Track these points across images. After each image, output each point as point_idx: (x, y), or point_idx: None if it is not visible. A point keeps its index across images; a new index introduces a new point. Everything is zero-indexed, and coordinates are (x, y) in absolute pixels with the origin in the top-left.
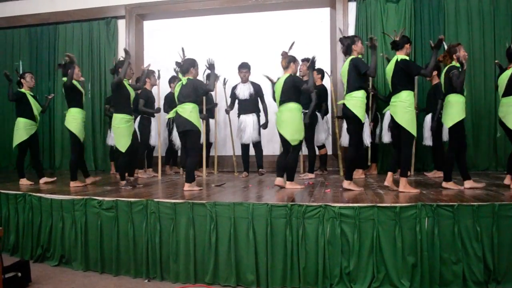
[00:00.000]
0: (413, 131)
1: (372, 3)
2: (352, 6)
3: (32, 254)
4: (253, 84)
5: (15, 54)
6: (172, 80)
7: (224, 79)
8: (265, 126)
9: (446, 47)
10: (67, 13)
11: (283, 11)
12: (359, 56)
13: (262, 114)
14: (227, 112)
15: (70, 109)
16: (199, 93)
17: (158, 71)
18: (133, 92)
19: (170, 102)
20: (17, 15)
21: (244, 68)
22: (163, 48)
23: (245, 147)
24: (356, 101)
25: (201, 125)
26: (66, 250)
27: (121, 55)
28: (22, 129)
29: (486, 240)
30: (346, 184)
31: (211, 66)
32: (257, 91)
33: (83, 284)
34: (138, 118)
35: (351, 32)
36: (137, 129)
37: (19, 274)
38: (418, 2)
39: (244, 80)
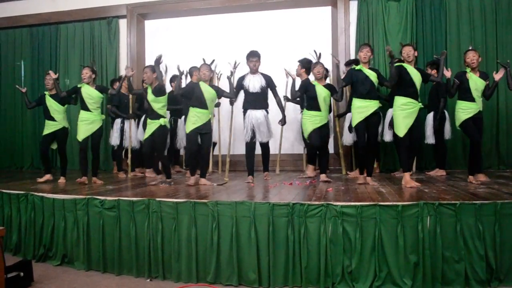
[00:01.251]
0: (398, 131)
1: (373, 1)
2: (354, 5)
3: (34, 253)
4: (264, 75)
5: (17, 54)
6: (173, 79)
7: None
8: (283, 121)
9: (470, 47)
10: (68, 13)
11: (284, 10)
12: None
13: (270, 109)
14: (232, 103)
15: None
16: None
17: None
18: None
19: (170, 100)
20: (19, 15)
21: (254, 56)
22: (164, 47)
23: (252, 146)
24: (352, 109)
25: (190, 127)
26: (68, 250)
27: (122, 55)
28: (44, 127)
29: (488, 238)
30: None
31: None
32: (269, 83)
33: (85, 284)
34: (143, 118)
35: (352, 31)
36: (141, 128)
37: (22, 273)
38: (420, 1)
39: (254, 70)
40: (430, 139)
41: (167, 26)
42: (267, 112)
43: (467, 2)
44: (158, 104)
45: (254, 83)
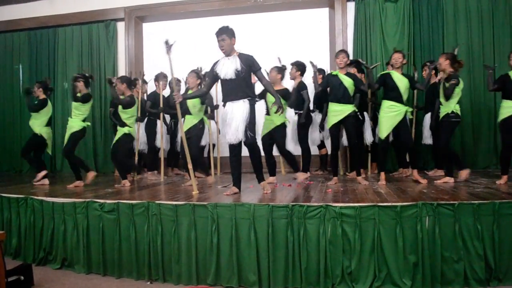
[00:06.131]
0: (380, 133)
1: (370, 3)
2: (351, 6)
3: (34, 257)
4: (241, 56)
5: (15, 57)
6: (157, 78)
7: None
8: (278, 105)
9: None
10: (66, 16)
11: (282, 12)
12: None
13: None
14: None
15: None
16: None
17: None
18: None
19: (169, 105)
20: (16, 19)
21: (221, 33)
22: (162, 50)
23: (236, 149)
24: (328, 112)
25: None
26: (68, 253)
27: (120, 58)
28: None
29: (487, 238)
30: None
31: None
32: (249, 65)
33: (86, 287)
34: (145, 120)
35: (350, 32)
36: (143, 131)
37: (22, 277)
38: (417, 2)
39: (226, 51)
40: (427, 139)
41: (165, 29)
42: (252, 104)
43: (464, 3)
44: (126, 115)
45: (226, 68)
